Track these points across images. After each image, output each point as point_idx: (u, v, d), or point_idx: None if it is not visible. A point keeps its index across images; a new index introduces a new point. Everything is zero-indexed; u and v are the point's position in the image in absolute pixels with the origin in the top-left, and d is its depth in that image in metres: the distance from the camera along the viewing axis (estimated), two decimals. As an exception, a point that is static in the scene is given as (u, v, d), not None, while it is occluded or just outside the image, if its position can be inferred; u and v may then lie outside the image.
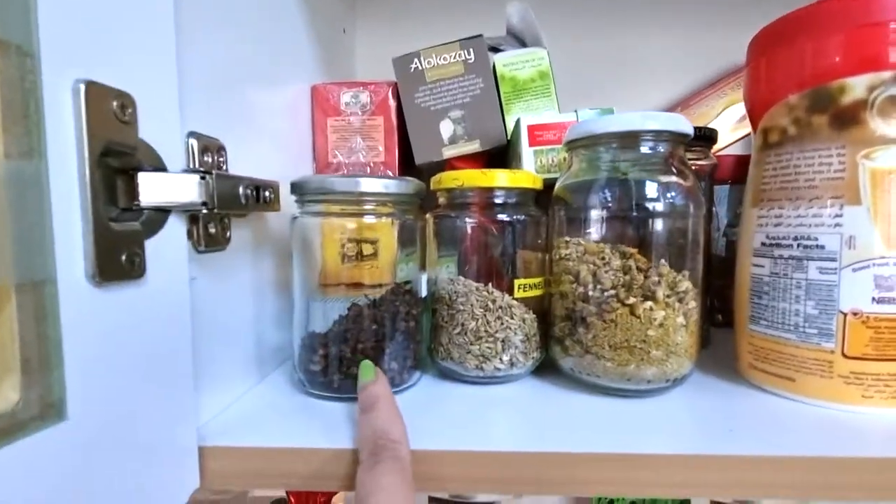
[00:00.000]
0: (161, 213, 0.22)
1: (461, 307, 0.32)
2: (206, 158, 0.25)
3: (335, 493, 0.63)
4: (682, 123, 0.29)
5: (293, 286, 0.32)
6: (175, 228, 0.22)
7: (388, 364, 0.30)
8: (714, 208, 0.46)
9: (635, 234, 0.30)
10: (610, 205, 0.30)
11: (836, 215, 0.27)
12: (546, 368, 0.34)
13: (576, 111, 0.38)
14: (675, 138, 0.30)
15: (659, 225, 0.29)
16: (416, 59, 0.43)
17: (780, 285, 0.30)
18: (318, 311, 0.31)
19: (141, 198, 0.20)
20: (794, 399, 0.29)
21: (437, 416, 0.28)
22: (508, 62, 0.44)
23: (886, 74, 0.26)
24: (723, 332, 0.42)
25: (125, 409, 0.20)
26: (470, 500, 0.65)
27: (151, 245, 0.21)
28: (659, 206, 0.29)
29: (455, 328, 0.32)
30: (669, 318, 0.28)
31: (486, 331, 0.31)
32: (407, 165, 0.46)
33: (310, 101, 0.44)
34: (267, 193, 0.30)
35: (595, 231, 0.31)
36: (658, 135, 0.29)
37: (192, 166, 0.24)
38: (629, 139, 0.30)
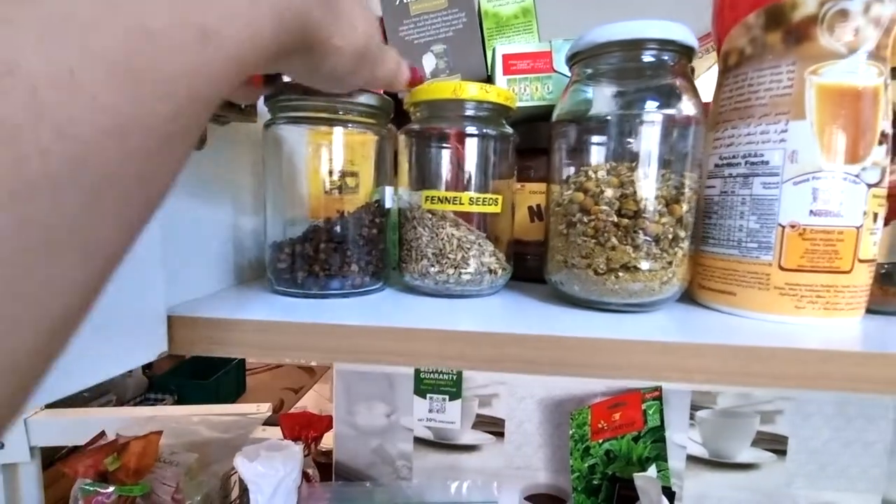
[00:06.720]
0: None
1: (419, 223, 0.33)
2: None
3: (326, 431, 0.66)
4: (687, 34, 0.29)
5: (268, 196, 0.34)
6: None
7: (351, 266, 0.32)
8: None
9: (634, 155, 0.29)
10: (610, 124, 0.30)
11: (782, 131, 0.28)
12: (517, 285, 0.36)
13: (550, 42, 0.39)
14: (681, 50, 0.29)
15: (659, 145, 0.29)
16: (400, -8, 0.43)
17: (727, 203, 0.30)
18: (291, 223, 0.33)
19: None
20: (734, 313, 0.30)
21: (407, 310, 0.30)
22: (492, -2, 0.44)
23: (838, -12, 0.26)
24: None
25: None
26: (453, 442, 0.68)
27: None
28: (658, 120, 0.29)
29: (415, 242, 0.34)
30: (662, 240, 0.29)
31: (446, 245, 0.33)
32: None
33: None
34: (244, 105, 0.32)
35: (593, 154, 0.30)
36: (662, 44, 0.29)
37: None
38: (632, 49, 0.29)
